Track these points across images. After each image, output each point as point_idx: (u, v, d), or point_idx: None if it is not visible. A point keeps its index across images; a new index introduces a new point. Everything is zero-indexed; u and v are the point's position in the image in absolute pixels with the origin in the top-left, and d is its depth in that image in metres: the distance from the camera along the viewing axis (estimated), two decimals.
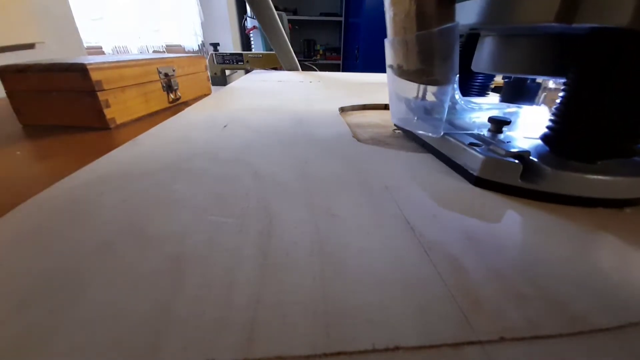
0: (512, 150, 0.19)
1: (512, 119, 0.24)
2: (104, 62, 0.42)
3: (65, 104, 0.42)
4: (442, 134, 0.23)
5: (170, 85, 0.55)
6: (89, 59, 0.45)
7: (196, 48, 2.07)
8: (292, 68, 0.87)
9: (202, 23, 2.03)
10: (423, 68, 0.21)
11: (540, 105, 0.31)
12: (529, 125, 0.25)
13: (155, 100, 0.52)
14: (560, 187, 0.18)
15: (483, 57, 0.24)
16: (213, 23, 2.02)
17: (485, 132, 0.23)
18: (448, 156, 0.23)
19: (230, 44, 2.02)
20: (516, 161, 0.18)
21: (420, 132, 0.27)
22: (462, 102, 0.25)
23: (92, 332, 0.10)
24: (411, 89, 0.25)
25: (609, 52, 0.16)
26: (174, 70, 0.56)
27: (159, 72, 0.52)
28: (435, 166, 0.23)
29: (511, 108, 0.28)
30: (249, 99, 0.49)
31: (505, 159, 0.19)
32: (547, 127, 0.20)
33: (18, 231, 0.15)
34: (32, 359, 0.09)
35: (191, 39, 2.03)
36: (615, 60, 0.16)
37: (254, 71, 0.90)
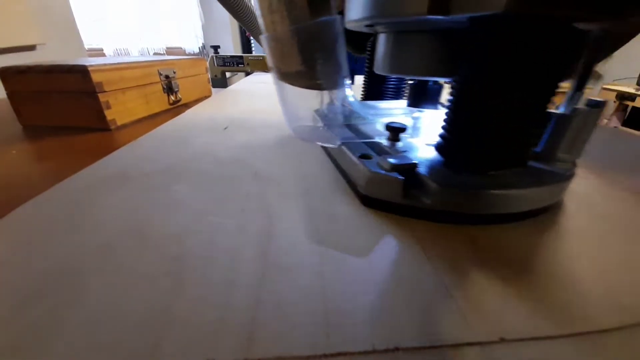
0: (398, 163, 0.17)
1: (416, 124, 0.23)
2: (104, 64, 0.42)
3: (66, 105, 0.42)
4: (339, 144, 0.21)
5: (170, 87, 0.55)
6: (89, 61, 0.45)
7: (197, 50, 2.07)
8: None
9: (202, 25, 2.04)
10: (302, 70, 0.18)
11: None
12: (431, 131, 0.23)
13: (155, 102, 0.52)
14: (445, 205, 0.16)
15: (379, 57, 0.21)
16: (214, 25, 2.03)
17: (384, 140, 0.21)
18: (343, 169, 0.21)
19: (231, 46, 2.03)
20: (399, 176, 0.16)
21: (318, 142, 0.24)
22: (357, 106, 0.23)
23: (92, 332, 0.10)
24: (302, 93, 0.20)
25: (490, 45, 0.14)
26: (174, 72, 0.56)
27: (160, 74, 0.52)
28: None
29: (417, 112, 0.26)
30: (250, 101, 0.49)
31: (388, 174, 0.16)
32: (440, 135, 0.18)
33: (18, 232, 0.15)
34: (32, 359, 0.09)
35: (192, 41, 2.04)
36: (496, 55, 0.14)
37: (254, 73, 0.90)
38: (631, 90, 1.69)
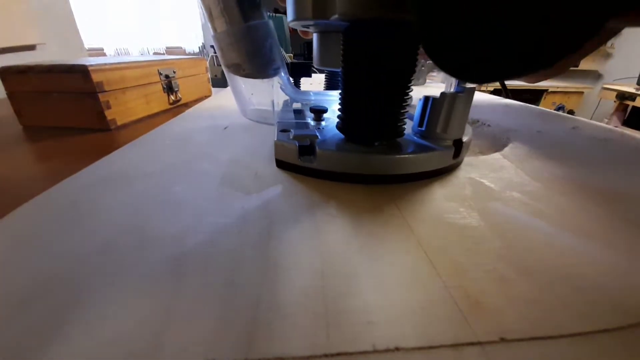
0: (299, 133, 0.22)
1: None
2: (105, 64, 0.42)
3: (66, 105, 0.42)
4: (275, 123, 0.25)
5: (170, 87, 0.55)
6: (90, 61, 0.45)
7: (197, 50, 2.07)
8: None
9: (202, 25, 2.03)
10: (238, 63, 0.23)
11: None
12: None
13: (155, 101, 0.52)
14: (325, 165, 0.20)
15: (314, 53, 0.26)
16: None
17: (311, 121, 0.26)
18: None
19: None
20: (295, 144, 0.21)
21: (263, 123, 0.30)
22: (296, 94, 0.29)
23: (92, 332, 0.10)
24: (248, 81, 0.27)
25: (349, 43, 0.19)
26: (174, 72, 0.56)
27: (160, 74, 0.52)
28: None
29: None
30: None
31: (288, 141, 0.21)
32: (337, 117, 0.22)
33: (18, 232, 0.15)
34: (32, 359, 0.09)
35: (192, 41, 2.04)
36: (352, 49, 0.19)
37: None
38: (631, 90, 1.69)
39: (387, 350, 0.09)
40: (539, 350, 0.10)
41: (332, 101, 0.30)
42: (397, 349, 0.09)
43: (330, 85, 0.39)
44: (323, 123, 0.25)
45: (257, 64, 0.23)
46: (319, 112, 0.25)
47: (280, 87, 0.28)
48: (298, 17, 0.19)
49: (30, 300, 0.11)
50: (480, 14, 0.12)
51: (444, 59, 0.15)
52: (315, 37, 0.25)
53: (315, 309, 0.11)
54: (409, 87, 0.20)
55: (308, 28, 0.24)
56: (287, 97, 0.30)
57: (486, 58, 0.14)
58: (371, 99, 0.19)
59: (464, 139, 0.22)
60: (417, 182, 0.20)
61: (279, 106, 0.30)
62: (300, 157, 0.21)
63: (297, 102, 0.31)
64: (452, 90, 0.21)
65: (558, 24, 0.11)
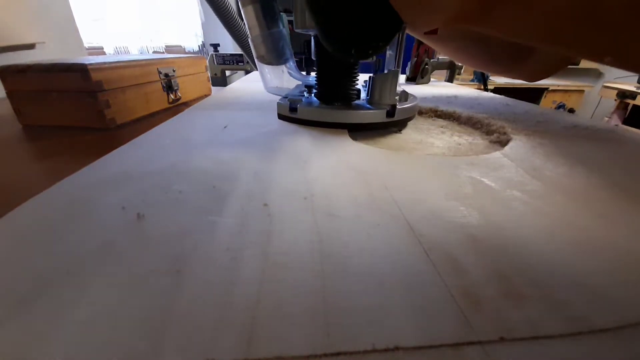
0: (290, 97, 0.35)
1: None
2: (104, 63, 0.42)
3: (66, 105, 0.42)
4: (285, 95, 0.37)
5: (170, 86, 0.55)
6: (89, 60, 0.45)
7: (196, 49, 2.07)
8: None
9: (202, 24, 2.03)
10: (263, 55, 0.39)
11: None
12: None
13: (155, 100, 0.52)
14: (305, 115, 0.32)
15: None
16: (213, 24, 2.02)
17: (306, 94, 0.38)
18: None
19: (231, 45, 2.02)
20: (287, 102, 0.33)
21: (277, 96, 0.40)
22: (301, 77, 0.44)
23: (92, 333, 0.10)
24: (271, 68, 0.43)
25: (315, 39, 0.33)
26: (174, 71, 0.56)
27: (159, 73, 0.52)
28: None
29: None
30: (250, 100, 0.49)
31: (283, 102, 0.34)
32: (314, 87, 0.36)
33: (18, 232, 0.15)
34: (32, 359, 0.09)
35: (192, 39, 2.03)
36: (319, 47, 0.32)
37: (254, 72, 0.90)
38: (632, 88, 1.68)
39: (387, 350, 0.09)
40: (539, 350, 0.10)
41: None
42: (397, 348, 0.09)
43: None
44: (312, 95, 0.37)
45: (274, 56, 0.38)
46: (310, 88, 0.39)
47: (289, 72, 0.43)
48: (296, 27, 0.32)
49: (30, 299, 0.11)
50: (345, 13, 0.23)
51: (333, 45, 0.26)
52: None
53: (315, 308, 0.11)
54: (354, 69, 0.33)
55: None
56: (298, 82, 0.45)
57: (351, 35, 0.25)
58: (332, 76, 0.33)
59: (399, 105, 0.31)
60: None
61: (286, 85, 0.45)
62: (290, 111, 0.33)
63: (301, 82, 0.44)
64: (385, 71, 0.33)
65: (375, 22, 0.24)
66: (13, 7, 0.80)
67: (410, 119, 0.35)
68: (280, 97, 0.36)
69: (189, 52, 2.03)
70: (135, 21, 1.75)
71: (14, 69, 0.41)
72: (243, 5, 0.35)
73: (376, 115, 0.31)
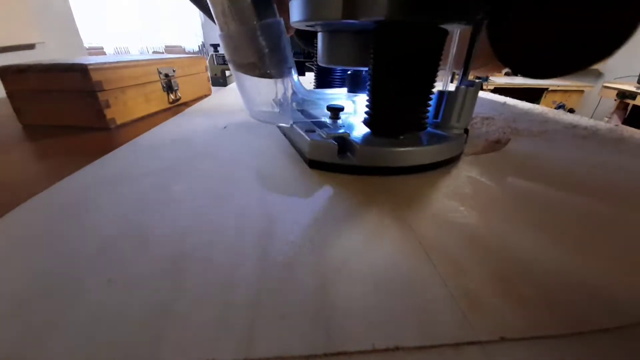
0: (333, 132, 0.22)
1: (354, 106, 0.29)
2: (104, 63, 0.42)
3: (66, 104, 0.42)
4: (291, 123, 0.25)
5: (170, 86, 0.55)
6: (89, 60, 0.45)
7: (196, 49, 2.07)
8: None
9: (202, 24, 2.03)
10: (253, 62, 0.22)
11: None
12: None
13: (155, 100, 0.52)
14: (366, 160, 0.21)
15: (319, 51, 0.26)
16: (213, 24, 2.03)
17: (327, 119, 0.26)
18: (294, 143, 0.26)
19: None
20: (334, 142, 0.21)
21: (277, 123, 0.29)
22: (303, 92, 0.28)
23: (92, 333, 0.10)
24: (259, 82, 0.24)
25: (382, 41, 0.20)
26: (174, 71, 0.56)
27: (159, 73, 0.52)
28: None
29: (356, 97, 0.32)
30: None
31: (325, 140, 0.22)
32: (365, 112, 0.23)
33: (18, 231, 0.15)
34: (32, 359, 0.09)
35: (191, 39, 2.03)
36: (386, 48, 0.20)
37: None
38: (632, 88, 1.68)
39: (387, 350, 0.09)
40: (539, 350, 0.10)
41: (334, 99, 0.31)
42: (397, 348, 0.09)
43: (320, 84, 0.39)
44: (339, 121, 0.26)
45: (273, 62, 0.22)
46: (336, 111, 0.26)
47: (294, 88, 0.26)
48: (315, 17, 0.20)
49: (30, 299, 0.11)
50: (552, 16, 0.15)
51: (509, 54, 0.18)
52: (320, 37, 0.25)
53: (315, 308, 0.11)
54: (434, 85, 0.22)
55: (313, 27, 0.24)
56: (277, 97, 0.27)
57: (550, 54, 0.16)
58: (402, 95, 0.21)
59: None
60: (418, 178, 0.21)
61: (290, 106, 0.28)
62: (340, 155, 0.22)
63: (308, 101, 0.30)
64: (462, 85, 0.23)
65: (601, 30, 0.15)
66: (13, 7, 0.80)
67: None
68: (284, 125, 0.26)
69: (189, 52, 2.03)
70: (135, 21, 1.75)
71: (14, 69, 0.41)
72: None
73: (458, 145, 0.24)
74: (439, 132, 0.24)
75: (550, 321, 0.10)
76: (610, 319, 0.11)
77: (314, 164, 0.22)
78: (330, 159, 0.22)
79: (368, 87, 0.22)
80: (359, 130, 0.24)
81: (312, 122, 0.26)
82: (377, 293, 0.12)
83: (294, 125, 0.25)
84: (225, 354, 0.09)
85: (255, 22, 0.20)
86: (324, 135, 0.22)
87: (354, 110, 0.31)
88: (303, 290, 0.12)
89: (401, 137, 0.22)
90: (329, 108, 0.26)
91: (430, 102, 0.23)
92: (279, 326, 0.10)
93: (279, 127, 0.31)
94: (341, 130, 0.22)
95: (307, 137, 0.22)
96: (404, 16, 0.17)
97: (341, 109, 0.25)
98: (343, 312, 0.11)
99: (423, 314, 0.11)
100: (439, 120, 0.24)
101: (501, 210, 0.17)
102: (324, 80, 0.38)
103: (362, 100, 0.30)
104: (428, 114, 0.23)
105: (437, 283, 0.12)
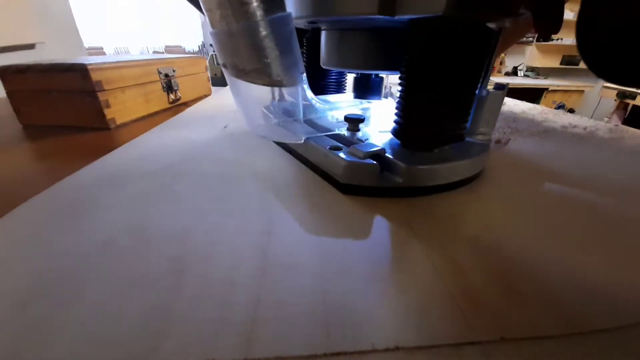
0: (370, 150, 0.18)
1: (366, 114, 0.25)
2: (104, 63, 0.42)
3: (66, 104, 0.42)
4: (303, 139, 0.22)
5: (170, 86, 0.55)
6: (89, 59, 0.45)
7: (196, 49, 2.07)
8: None
9: (202, 24, 2.03)
10: (259, 67, 0.17)
11: (387, 98, 0.33)
12: (381, 119, 0.26)
13: (155, 100, 0.52)
14: (412, 181, 0.18)
15: (325, 52, 0.23)
16: None
17: (344, 131, 0.23)
18: (314, 162, 0.22)
19: None
20: (374, 162, 0.18)
21: (282, 140, 0.25)
22: (316, 101, 0.23)
23: (92, 333, 0.10)
24: (259, 90, 0.20)
25: (428, 41, 0.17)
26: (174, 71, 0.56)
27: (159, 73, 0.52)
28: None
29: (364, 103, 0.29)
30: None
31: (364, 161, 0.18)
32: (394, 122, 0.21)
33: (18, 231, 0.15)
34: (32, 359, 0.09)
35: (191, 39, 2.03)
36: (432, 49, 0.17)
37: None
38: (632, 88, 1.68)
39: (387, 350, 0.09)
40: (539, 350, 0.10)
41: (342, 107, 0.27)
42: (397, 348, 0.09)
43: (312, 88, 0.33)
44: (359, 133, 0.22)
45: (285, 69, 0.17)
46: (356, 122, 0.22)
47: (309, 98, 0.22)
48: (333, 12, 0.17)
49: (30, 300, 0.11)
50: None
51: (602, 61, 0.15)
52: (327, 36, 0.23)
53: (315, 309, 0.11)
54: (475, 91, 0.20)
55: (315, 24, 0.22)
56: (266, 104, 0.24)
57: None
58: (446, 103, 0.18)
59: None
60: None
61: (301, 119, 0.24)
62: (381, 175, 0.19)
63: (311, 110, 0.24)
64: (485, 88, 0.21)
65: None
66: (13, 7, 0.80)
67: None
68: (292, 140, 0.22)
69: (189, 53, 2.03)
70: (135, 21, 1.75)
71: (14, 69, 0.41)
72: None
73: (489, 152, 0.22)
74: (470, 139, 0.22)
75: (550, 321, 0.10)
76: (610, 319, 0.11)
77: (349, 189, 0.19)
78: (371, 182, 0.18)
79: (400, 94, 0.19)
80: (381, 141, 0.21)
81: (328, 135, 0.22)
82: (377, 293, 0.12)
83: (311, 142, 0.21)
84: (225, 354, 0.09)
85: (263, 17, 0.16)
86: (358, 154, 0.18)
87: (366, 118, 0.26)
88: (303, 290, 0.12)
89: (435, 150, 0.20)
90: (347, 119, 0.22)
91: (470, 111, 0.20)
92: (279, 326, 0.10)
93: (277, 142, 0.27)
94: (375, 148, 0.19)
95: (340, 158, 0.19)
96: (463, 11, 0.15)
97: (362, 119, 0.22)
98: (343, 312, 0.11)
99: (423, 314, 0.11)
100: (468, 126, 0.21)
101: (501, 210, 0.17)
102: (317, 84, 0.33)
103: (374, 107, 0.29)
104: (467, 124, 0.21)
105: (437, 283, 0.12)
